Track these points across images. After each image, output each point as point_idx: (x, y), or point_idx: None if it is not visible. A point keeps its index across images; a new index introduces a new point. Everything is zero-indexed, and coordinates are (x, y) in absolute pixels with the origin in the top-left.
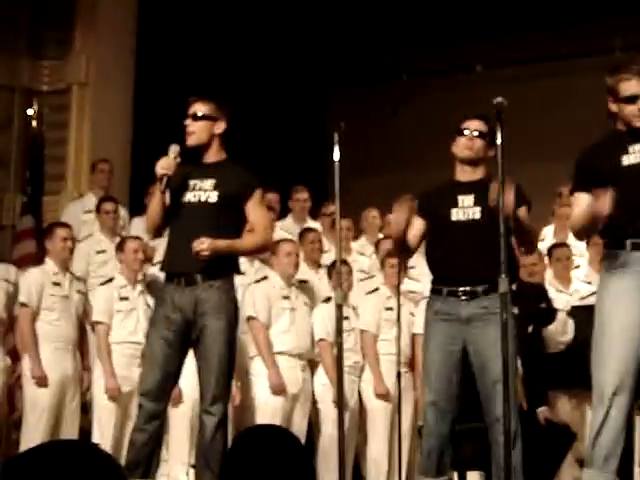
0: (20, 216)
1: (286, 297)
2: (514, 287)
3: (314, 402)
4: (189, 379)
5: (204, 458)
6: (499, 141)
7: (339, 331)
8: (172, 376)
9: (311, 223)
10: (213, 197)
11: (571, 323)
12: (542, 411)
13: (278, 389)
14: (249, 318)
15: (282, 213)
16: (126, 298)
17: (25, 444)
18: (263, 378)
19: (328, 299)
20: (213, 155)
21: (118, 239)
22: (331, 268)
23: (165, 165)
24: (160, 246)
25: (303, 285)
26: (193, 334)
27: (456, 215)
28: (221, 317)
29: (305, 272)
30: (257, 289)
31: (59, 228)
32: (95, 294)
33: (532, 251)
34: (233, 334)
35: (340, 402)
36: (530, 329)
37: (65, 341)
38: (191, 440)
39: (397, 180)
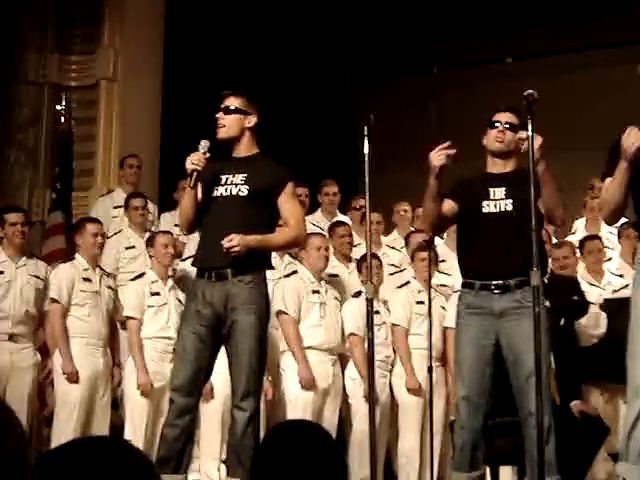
0: (49, 212)
1: (316, 291)
2: (546, 280)
3: (345, 397)
4: (221, 374)
5: (235, 453)
6: (530, 133)
7: (370, 325)
8: (203, 371)
9: (340, 217)
10: (244, 191)
11: (604, 316)
12: (575, 404)
13: (308, 384)
14: (279, 313)
15: (311, 207)
16: (157, 293)
17: (56, 440)
18: (293, 373)
19: (358, 293)
20: (244, 149)
21: (147, 235)
22: (361, 262)
23: (195, 160)
24: (190, 241)
25: (333, 279)
26: (224, 329)
27: (487, 207)
28: (251, 312)
29: (335, 266)
30: (287, 283)
31: (90, 224)
32: (126, 289)
33: (561, 222)
34: (264, 329)
35: (371, 397)
36: (562, 322)
37: (96, 337)
38: (222, 435)
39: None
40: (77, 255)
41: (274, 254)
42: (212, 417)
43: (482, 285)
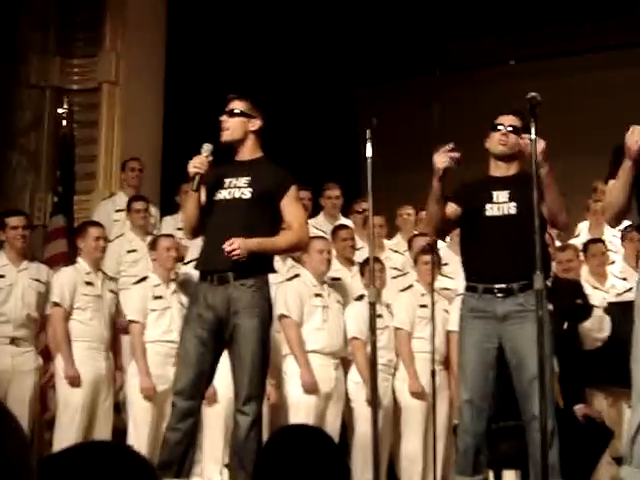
0: (51, 216)
1: (318, 295)
2: (549, 283)
3: (347, 401)
4: (224, 378)
5: (238, 457)
6: (533, 136)
7: (372, 329)
8: (206, 375)
9: (343, 220)
10: (247, 194)
11: (608, 320)
12: (579, 408)
13: (310, 388)
14: (281, 316)
15: (314, 210)
16: (160, 297)
17: (58, 444)
18: (295, 377)
19: (361, 297)
20: (248, 153)
21: (149, 238)
22: (364, 265)
23: (198, 163)
24: (192, 245)
25: (336, 283)
26: (226, 333)
27: (490, 211)
28: (254, 316)
29: (338, 270)
30: (289, 287)
31: (92, 227)
32: (129, 293)
33: (564, 226)
34: (267, 333)
35: (374, 401)
36: (565, 326)
37: (98, 340)
38: (225, 439)
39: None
40: (79, 259)
41: (277, 257)
42: (215, 421)
43: (485, 289)
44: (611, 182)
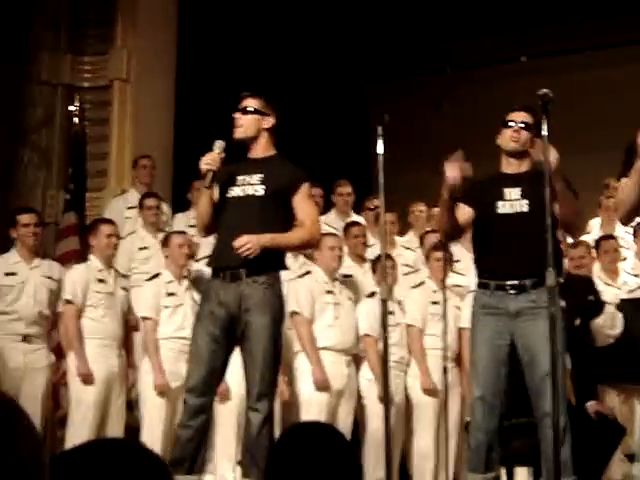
0: (63, 213)
1: (330, 292)
2: (561, 280)
3: (359, 398)
4: (236, 375)
5: (250, 455)
6: (545, 133)
7: (384, 326)
8: (217, 372)
9: (355, 217)
10: (260, 191)
11: (620, 316)
12: (591, 405)
13: (322, 385)
14: (292, 313)
15: (325, 207)
16: (173, 294)
17: (70, 441)
18: (307, 374)
19: (373, 294)
20: (261, 150)
21: (161, 235)
22: (375, 262)
23: (210, 160)
24: (203, 242)
25: (347, 280)
26: (238, 330)
27: (502, 208)
28: (266, 313)
29: (350, 267)
30: (300, 284)
31: (104, 224)
32: (142, 290)
33: (577, 231)
34: (278, 330)
35: (386, 398)
36: (578, 322)
37: (110, 338)
38: (238, 436)
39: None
40: (91, 256)
41: (288, 254)
42: (228, 418)
43: (497, 285)
44: (624, 180)
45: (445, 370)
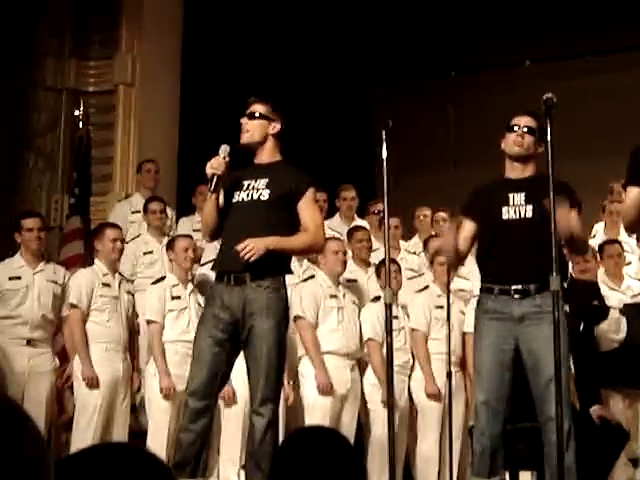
0: (67, 217)
1: (333, 296)
2: (565, 285)
3: (363, 402)
4: (243, 379)
5: (254, 459)
6: (549, 137)
7: (388, 331)
8: (220, 375)
9: (359, 221)
10: (266, 195)
11: (624, 321)
12: (595, 410)
13: (326, 389)
14: (296, 318)
15: (329, 212)
16: (178, 297)
17: (76, 445)
18: (311, 378)
19: (377, 298)
20: (267, 156)
21: (165, 239)
22: (380, 267)
23: (215, 165)
24: (208, 246)
25: (351, 284)
26: (242, 334)
27: (507, 214)
28: (270, 317)
29: (354, 271)
30: (304, 288)
31: (109, 229)
32: (147, 293)
33: (583, 254)
34: (283, 334)
35: (390, 402)
36: (582, 327)
37: (115, 342)
38: (243, 440)
39: (445, 177)
40: (96, 260)
41: (293, 259)
42: (234, 422)
43: (502, 290)
44: (630, 190)
45: (449, 375)
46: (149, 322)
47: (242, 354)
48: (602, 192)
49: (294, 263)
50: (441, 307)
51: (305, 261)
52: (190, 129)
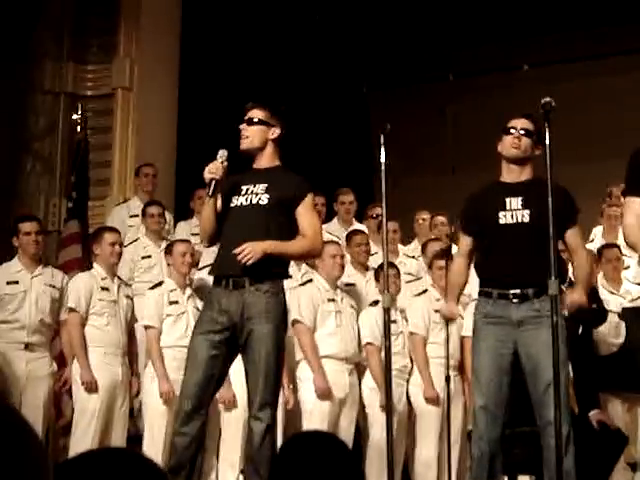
0: (65, 221)
1: (331, 300)
2: (564, 288)
3: (362, 406)
4: (242, 383)
5: (253, 464)
6: (547, 141)
7: (386, 334)
8: (215, 379)
9: (357, 225)
10: (264, 200)
11: (623, 325)
12: (594, 414)
13: (324, 394)
14: (294, 322)
15: (328, 216)
16: (176, 302)
17: (74, 449)
18: (309, 383)
19: (375, 302)
20: (266, 161)
21: (164, 244)
22: (378, 271)
23: (213, 169)
24: (206, 250)
25: (350, 288)
26: (241, 339)
27: (504, 218)
28: (269, 321)
29: (352, 275)
30: (302, 292)
31: (107, 233)
32: (145, 298)
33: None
34: (281, 338)
35: (388, 406)
36: (580, 331)
37: (114, 346)
38: (243, 445)
39: (444, 181)
40: (95, 264)
41: (291, 263)
42: (234, 426)
43: (500, 294)
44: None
45: (448, 379)
46: (147, 327)
47: (240, 358)
48: (601, 195)
49: (293, 267)
50: (439, 311)
51: (304, 265)
52: (188, 133)
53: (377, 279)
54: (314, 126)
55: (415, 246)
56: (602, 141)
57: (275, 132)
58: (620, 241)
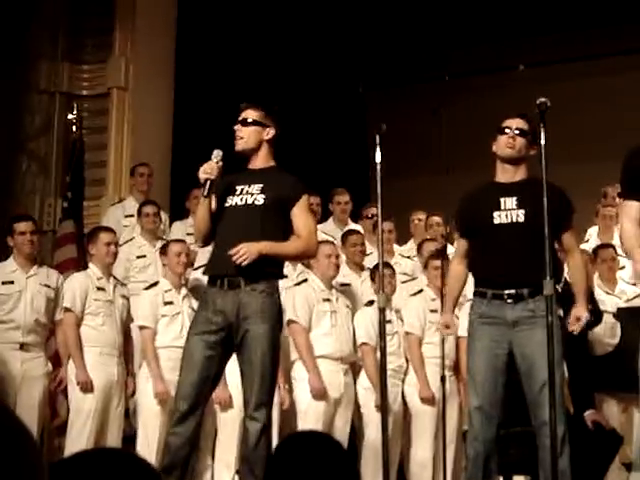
0: (60, 221)
1: (327, 299)
2: (559, 289)
3: (357, 406)
4: (239, 384)
5: (248, 464)
6: (542, 141)
7: (382, 335)
8: (210, 379)
9: (352, 226)
10: (260, 200)
11: (619, 325)
12: (589, 414)
13: (319, 394)
14: (289, 322)
15: (323, 216)
16: (171, 302)
17: (70, 449)
18: (304, 382)
19: (371, 302)
20: (261, 162)
21: (159, 244)
22: (374, 271)
23: (208, 169)
24: (201, 250)
25: (345, 288)
26: (236, 339)
27: (498, 218)
28: (264, 321)
29: (347, 275)
30: (297, 292)
31: (103, 233)
32: (139, 298)
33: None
34: (277, 338)
35: (383, 406)
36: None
37: (110, 346)
38: (239, 445)
39: (439, 181)
40: (90, 264)
41: (286, 263)
42: (230, 426)
43: (494, 294)
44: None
45: (443, 379)
46: (141, 328)
47: (235, 358)
48: (596, 195)
49: (288, 267)
50: (435, 311)
51: (299, 265)
52: (183, 132)
53: (372, 279)
54: (310, 126)
55: (411, 246)
56: (597, 141)
57: (270, 132)
58: (615, 241)
